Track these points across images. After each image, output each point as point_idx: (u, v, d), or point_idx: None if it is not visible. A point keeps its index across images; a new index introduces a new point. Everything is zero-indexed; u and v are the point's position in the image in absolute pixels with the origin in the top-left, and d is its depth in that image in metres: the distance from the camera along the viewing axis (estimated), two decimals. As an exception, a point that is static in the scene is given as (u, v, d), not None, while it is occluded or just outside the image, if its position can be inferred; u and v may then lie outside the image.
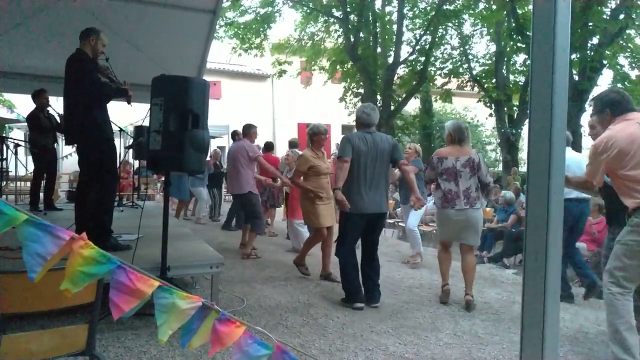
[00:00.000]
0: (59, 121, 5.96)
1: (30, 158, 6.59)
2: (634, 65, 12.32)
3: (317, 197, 4.76)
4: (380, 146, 4.01)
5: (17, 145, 6.74)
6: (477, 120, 22.31)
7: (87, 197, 3.69)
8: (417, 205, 4.24)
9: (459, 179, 4.19)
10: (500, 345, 3.27)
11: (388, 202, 4.25)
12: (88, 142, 3.61)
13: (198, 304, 1.26)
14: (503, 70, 13.99)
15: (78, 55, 3.63)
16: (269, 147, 8.22)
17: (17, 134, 11.48)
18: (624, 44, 11.70)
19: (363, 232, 4.13)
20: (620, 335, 2.71)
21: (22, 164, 7.67)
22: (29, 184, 8.29)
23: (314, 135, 4.93)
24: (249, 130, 6.11)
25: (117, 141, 3.99)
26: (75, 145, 3.78)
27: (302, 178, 4.89)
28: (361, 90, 14.44)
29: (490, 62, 14.66)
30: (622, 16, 10.27)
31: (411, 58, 14.24)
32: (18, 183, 8.45)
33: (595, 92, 9.97)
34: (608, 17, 10.35)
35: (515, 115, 13.02)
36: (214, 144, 8.15)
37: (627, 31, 11.05)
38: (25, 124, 6.44)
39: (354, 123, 4.45)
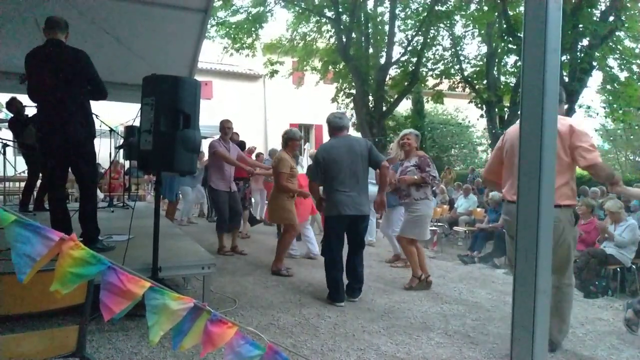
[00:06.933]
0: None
1: (19, 158, 6.52)
2: (623, 67, 12.45)
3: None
4: (355, 149, 4.09)
5: (5, 145, 6.63)
6: (469, 121, 22.47)
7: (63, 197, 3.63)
8: (380, 210, 4.41)
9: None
10: (491, 344, 3.29)
11: (368, 204, 4.27)
12: (88, 140, 3.51)
13: (190, 305, 1.25)
14: (494, 72, 14.08)
15: (75, 49, 3.42)
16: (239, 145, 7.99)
17: (5, 133, 11.30)
18: (614, 45, 11.83)
19: (347, 232, 4.21)
20: None
21: (10, 164, 7.55)
22: (17, 184, 8.18)
23: (289, 140, 5.18)
24: (220, 127, 6.09)
25: (107, 141, 3.96)
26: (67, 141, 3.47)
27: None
28: (353, 91, 14.47)
29: (481, 63, 14.75)
30: (611, 18, 10.38)
31: (403, 59, 14.31)
32: (7, 183, 8.34)
33: (585, 93, 10.07)
34: (598, 19, 10.45)
35: (506, 117, 13.10)
36: (205, 144, 8.03)
37: (617, 33, 11.17)
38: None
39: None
